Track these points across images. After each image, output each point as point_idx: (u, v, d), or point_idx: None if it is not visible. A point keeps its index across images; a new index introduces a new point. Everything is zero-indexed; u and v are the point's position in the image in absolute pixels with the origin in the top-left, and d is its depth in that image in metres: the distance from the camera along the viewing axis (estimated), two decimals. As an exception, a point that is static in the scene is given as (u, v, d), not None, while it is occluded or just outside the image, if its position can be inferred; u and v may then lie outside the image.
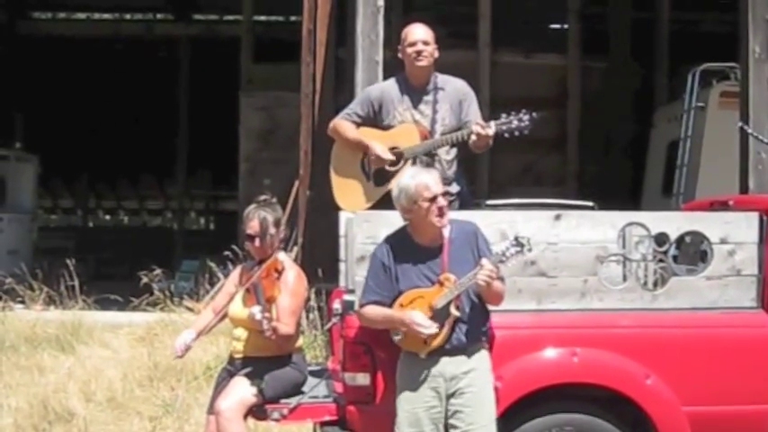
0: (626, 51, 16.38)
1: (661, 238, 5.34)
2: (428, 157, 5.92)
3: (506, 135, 5.71)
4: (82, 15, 24.15)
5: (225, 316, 5.72)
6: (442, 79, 6.09)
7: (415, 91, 6.05)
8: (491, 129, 5.69)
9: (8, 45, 21.83)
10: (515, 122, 5.67)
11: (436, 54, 6.05)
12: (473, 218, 5.11)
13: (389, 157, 5.87)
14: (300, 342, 5.82)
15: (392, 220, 5.03)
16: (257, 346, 5.47)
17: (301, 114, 11.33)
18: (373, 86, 6.28)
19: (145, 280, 11.20)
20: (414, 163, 5.81)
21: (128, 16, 24.07)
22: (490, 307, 4.93)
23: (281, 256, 5.62)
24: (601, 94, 16.06)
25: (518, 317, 5.15)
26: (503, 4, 15.44)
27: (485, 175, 14.54)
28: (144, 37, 22.71)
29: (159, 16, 24.04)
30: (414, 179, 4.88)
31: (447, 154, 6.03)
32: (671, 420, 4.99)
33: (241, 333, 5.56)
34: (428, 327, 4.71)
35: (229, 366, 5.65)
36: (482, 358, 4.85)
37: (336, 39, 11.57)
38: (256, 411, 5.40)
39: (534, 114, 5.67)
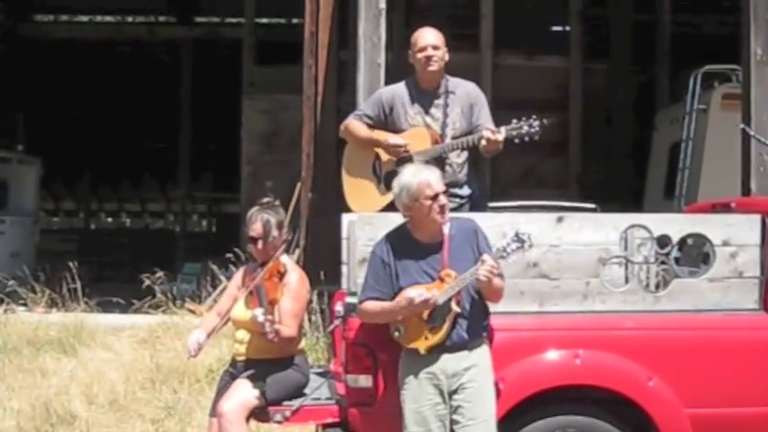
0: (628, 54, 16.38)
1: (663, 241, 5.34)
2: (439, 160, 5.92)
3: (516, 141, 5.73)
4: (84, 18, 24.15)
5: (229, 319, 5.72)
6: (453, 83, 6.10)
7: (426, 94, 6.05)
8: (501, 134, 5.71)
9: (10, 47, 21.82)
10: (525, 128, 5.69)
11: (446, 58, 6.05)
12: (475, 219, 5.11)
13: (403, 142, 5.88)
14: (303, 344, 5.83)
15: (394, 223, 5.03)
16: (259, 348, 5.47)
17: (303, 117, 11.33)
18: (384, 89, 6.28)
19: (147, 282, 11.20)
20: None
21: (130, 19, 24.06)
22: (491, 308, 4.94)
23: (284, 258, 5.62)
24: (602, 96, 16.07)
25: (520, 319, 5.16)
26: (505, 7, 15.45)
27: (487, 177, 14.54)
28: (146, 39, 22.72)
29: (161, 19, 24.03)
30: (416, 176, 4.89)
31: (458, 157, 6.05)
32: (673, 422, 4.99)
33: (243, 335, 5.56)
34: (422, 294, 4.71)
35: (232, 369, 5.65)
36: (482, 354, 4.86)
37: (338, 41, 11.58)
38: (259, 414, 5.41)
39: (545, 121, 5.69)
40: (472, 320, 4.84)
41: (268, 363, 5.45)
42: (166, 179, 25.07)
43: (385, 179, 5.99)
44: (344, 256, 5.33)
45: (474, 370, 4.80)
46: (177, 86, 22.29)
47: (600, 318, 5.20)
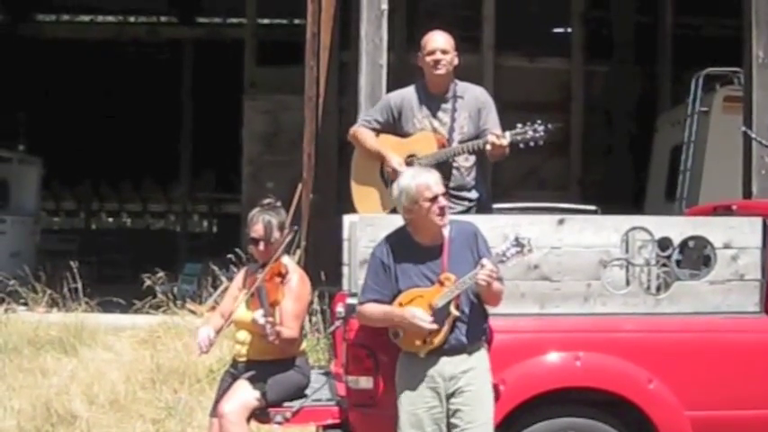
0: (629, 56, 16.40)
1: (664, 243, 5.34)
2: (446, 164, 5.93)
3: (521, 145, 5.73)
4: (86, 18, 24.16)
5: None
6: (462, 87, 6.11)
7: (434, 98, 6.06)
8: (506, 139, 5.73)
9: (11, 47, 21.83)
10: (530, 133, 5.70)
11: (455, 62, 6.06)
12: (476, 222, 5.11)
13: (402, 170, 5.88)
14: (303, 345, 5.83)
15: (395, 224, 5.03)
16: (260, 349, 5.47)
17: (305, 118, 11.34)
18: (393, 93, 6.28)
19: (148, 283, 11.21)
20: None
21: (131, 19, 24.08)
22: (492, 310, 4.94)
23: (285, 259, 5.62)
24: (604, 98, 16.08)
25: (521, 321, 5.16)
26: (506, 8, 15.46)
27: (488, 179, 14.55)
28: (147, 40, 22.73)
29: (163, 19, 24.04)
30: (414, 179, 4.90)
31: (466, 161, 6.06)
32: (674, 425, 4.99)
33: (244, 336, 5.56)
34: (428, 321, 4.72)
35: (232, 369, 5.65)
36: (480, 357, 4.86)
37: (340, 42, 11.59)
38: (259, 414, 5.41)
39: (550, 125, 5.70)
40: (471, 324, 4.84)
41: (269, 364, 5.45)
42: (167, 179, 25.06)
43: (392, 184, 6.00)
44: (345, 258, 5.34)
45: (472, 373, 4.80)
46: (178, 87, 22.29)
47: (601, 320, 5.20)
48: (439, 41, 6.04)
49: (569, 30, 16.79)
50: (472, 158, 6.09)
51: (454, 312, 4.77)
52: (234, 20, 21.89)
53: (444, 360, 4.80)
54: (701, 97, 11.44)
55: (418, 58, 6.09)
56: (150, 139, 23.47)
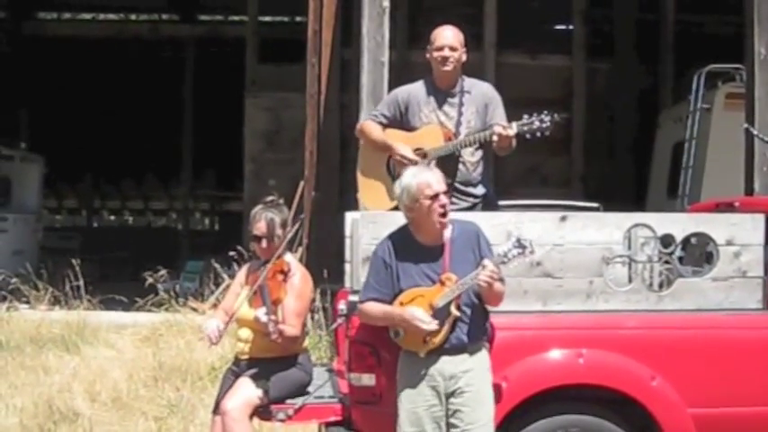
0: (631, 53, 16.39)
1: (667, 240, 5.33)
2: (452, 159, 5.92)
3: (528, 136, 5.73)
4: (87, 16, 24.19)
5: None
6: (469, 83, 6.11)
7: (442, 93, 6.06)
8: (513, 129, 5.72)
9: (13, 45, 21.86)
10: (537, 123, 5.69)
11: (464, 58, 6.05)
12: (479, 218, 5.11)
13: (413, 157, 5.88)
14: (306, 343, 5.83)
15: (398, 221, 5.03)
16: (263, 347, 5.47)
17: (306, 115, 11.34)
18: (401, 88, 6.28)
19: (149, 280, 11.23)
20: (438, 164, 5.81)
21: (133, 17, 24.11)
22: (493, 308, 4.93)
23: (288, 257, 5.62)
24: (606, 95, 16.07)
25: (524, 318, 5.15)
26: (508, 5, 15.45)
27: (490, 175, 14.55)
28: (149, 37, 22.74)
29: (164, 17, 24.07)
30: (416, 177, 4.89)
31: (472, 156, 6.04)
32: (676, 422, 4.98)
33: (247, 334, 5.56)
34: (428, 323, 4.72)
35: (234, 367, 5.65)
36: (481, 357, 4.85)
37: (342, 39, 11.58)
38: (262, 412, 5.41)
39: (556, 116, 5.69)
40: (472, 324, 4.83)
41: (271, 361, 5.45)
42: (169, 177, 25.09)
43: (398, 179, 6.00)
44: (348, 255, 5.33)
45: (472, 373, 4.79)
46: (180, 84, 22.31)
47: (603, 317, 5.20)
48: (448, 37, 6.03)
49: (571, 27, 16.78)
50: (478, 154, 6.08)
51: (455, 312, 4.76)
52: (235, 17, 21.91)
53: (445, 359, 4.79)
54: (703, 94, 11.43)
55: (426, 52, 6.09)
56: (152, 137, 23.50)
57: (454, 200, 5.74)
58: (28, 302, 11.98)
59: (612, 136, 16.21)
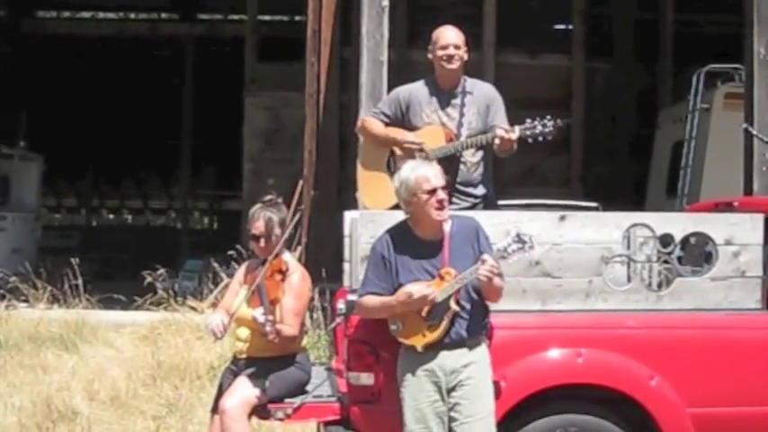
0: (630, 52, 16.40)
1: (666, 239, 5.33)
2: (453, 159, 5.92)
3: (530, 140, 5.73)
4: (86, 14, 24.20)
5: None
6: (471, 83, 6.10)
7: (444, 93, 6.05)
8: (515, 133, 5.72)
9: (13, 44, 21.85)
10: (539, 128, 5.70)
11: (466, 57, 6.05)
12: (478, 218, 5.10)
13: (420, 140, 5.88)
14: (304, 342, 5.82)
15: (397, 220, 5.02)
16: (261, 346, 5.46)
17: (306, 114, 11.34)
18: (402, 87, 6.27)
19: (148, 279, 11.23)
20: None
21: (132, 15, 24.13)
22: (494, 306, 4.93)
23: (286, 256, 5.61)
24: (605, 94, 16.07)
25: (523, 317, 5.15)
26: (507, 5, 15.45)
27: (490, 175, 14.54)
28: (148, 36, 22.75)
29: (164, 15, 24.09)
30: (414, 171, 4.89)
31: (473, 156, 6.03)
32: (675, 422, 4.98)
33: (245, 333, 5.55)
34: (421, 290, 4.71)
35: (233, 366, 5.65)
36: (481, 352, 4.85)
37: (341, 39, 11.59)
38: (260, 411, 5.40)
39: (559, 121, 5.70)
40: (471, 319, 4.83)
41: (270, 360, 5.45)
42: (168, 176, 25.11)
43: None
44: (346, 254, 5.33)
45: (472, 367, 4.79)
46: (179, 83, 22.33)
47: (602, 316, 5.19)
48: (452, 36, 6.03)
49: (570, 27, 16.78)
50: (479, 154, 6.08)
51: (454, 307, 4.76)
52: (234, 16, 21.92)
53: (444, 354, 4.79)
54: (702, 94, 11.44)
55: (428, 52, 6.08)
56: (151, 136, 23.51)
57: (454, 200, 5.74)
58: (27, 301, 11.98)
59: (612, 136, 16.21)
